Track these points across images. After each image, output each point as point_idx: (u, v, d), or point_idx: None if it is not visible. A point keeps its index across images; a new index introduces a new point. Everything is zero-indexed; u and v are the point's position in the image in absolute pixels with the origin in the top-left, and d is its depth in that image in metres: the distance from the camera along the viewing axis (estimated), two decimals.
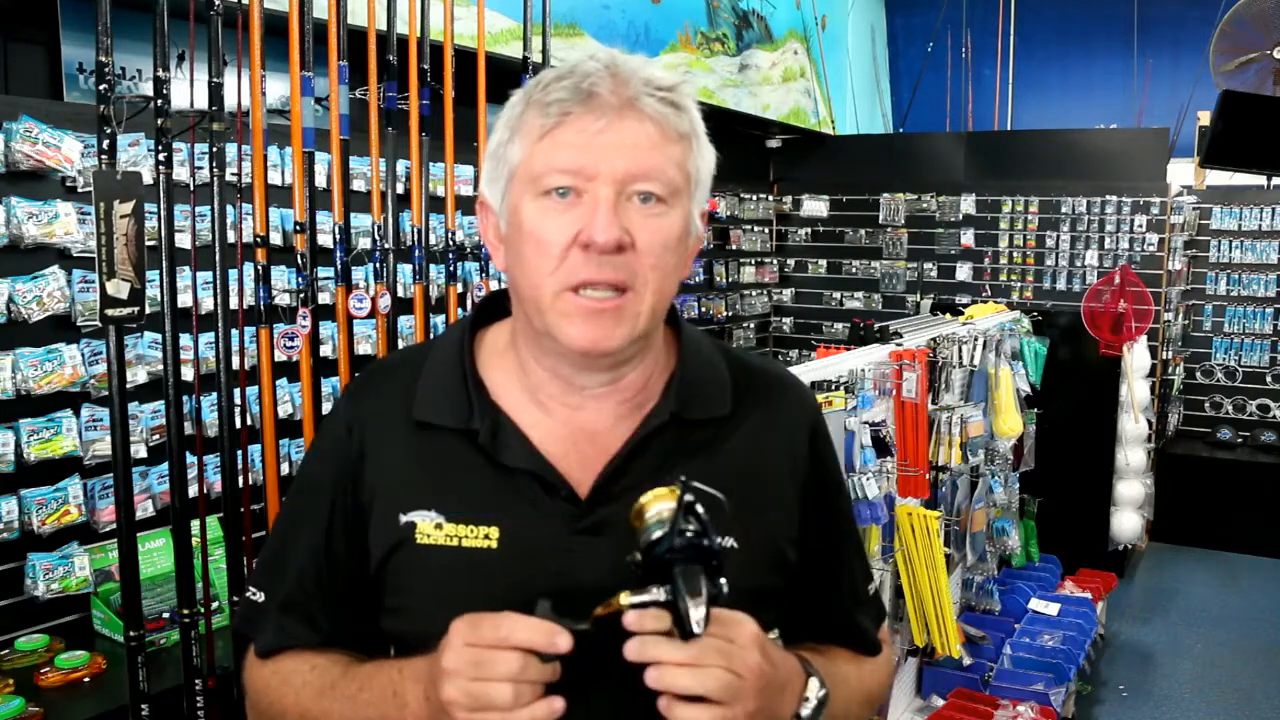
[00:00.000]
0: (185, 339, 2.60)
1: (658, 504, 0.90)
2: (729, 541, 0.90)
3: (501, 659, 0.85)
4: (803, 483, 1.10)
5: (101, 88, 1.99)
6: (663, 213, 0.96)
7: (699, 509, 0.88)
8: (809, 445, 1.12)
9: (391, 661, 1.00)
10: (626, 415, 1.04)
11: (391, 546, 1.03)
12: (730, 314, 6.54)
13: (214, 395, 2.35)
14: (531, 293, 0.97)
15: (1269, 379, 6.66)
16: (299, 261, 2.43)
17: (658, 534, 0.88)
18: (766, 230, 7.02)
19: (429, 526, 1.01)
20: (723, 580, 0.87)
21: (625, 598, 0.88)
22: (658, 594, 0.87)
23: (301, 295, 2.43)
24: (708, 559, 0.87)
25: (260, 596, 1.10)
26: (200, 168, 2.53)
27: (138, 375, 2.67)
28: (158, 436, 2.72)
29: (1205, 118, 5.58)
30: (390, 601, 1.05)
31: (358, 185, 3.12)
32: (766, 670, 0.90)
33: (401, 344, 3.07)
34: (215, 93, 2.24)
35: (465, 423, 1.02)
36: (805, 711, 0.97)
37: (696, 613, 0.84)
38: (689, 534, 0.87)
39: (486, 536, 1.00)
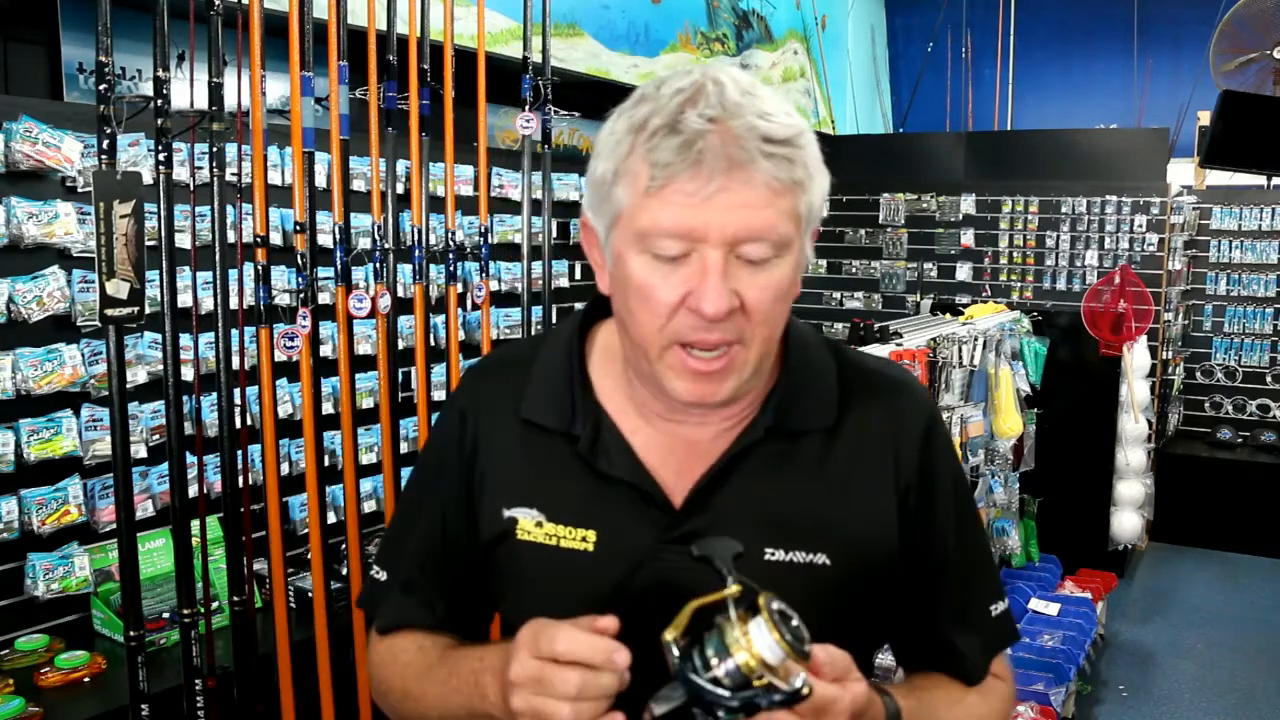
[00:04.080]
0: (185, 339, 2.60)
1: (759, 628, 0.81)
2: (800, 680, 0.82)
3: (560, 677, 0.85)
4: (903, 492, 1.06)
5: (101, 88, 1.99)
6: (773, 266, 0.94)
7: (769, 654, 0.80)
8: (916, 452, 1.07)
9: (474, 650, 1.02)
10: (730, 429, 1.04)
11: (495, 538, 1.07)
12: None
13: (214, 395, 2.35)
14: (641, 343, 0.97)
15: (1269, 379, 6.66)
16: (299, 261, 2.43)
17: (705, 641, 0.82)
18: None
19: (530, 524, 1.04)
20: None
21: (671, 632, 0.85)
22: (670, 659, 0.83)
23: (301, 295, 2.43)
24: (702, 702, 0.82)
25: (383, 575, 1.14)
26: (200, 168, 2.53)
27: (138, 375, 2.67)
28: (158, 436, 2.72)
29: (1205, 118, 5.59)
30: (496, 588, 1.10)
31: (358, 185, 3.12)
32: None
33: (401, 344, 3.07)
34: (215, 93, 2.24)
35: (568, 427, 1.05)
36: None
37: (654, 704, 0.83)
38: (706, 669, 0.81)
39: (584, 539, 1.02)
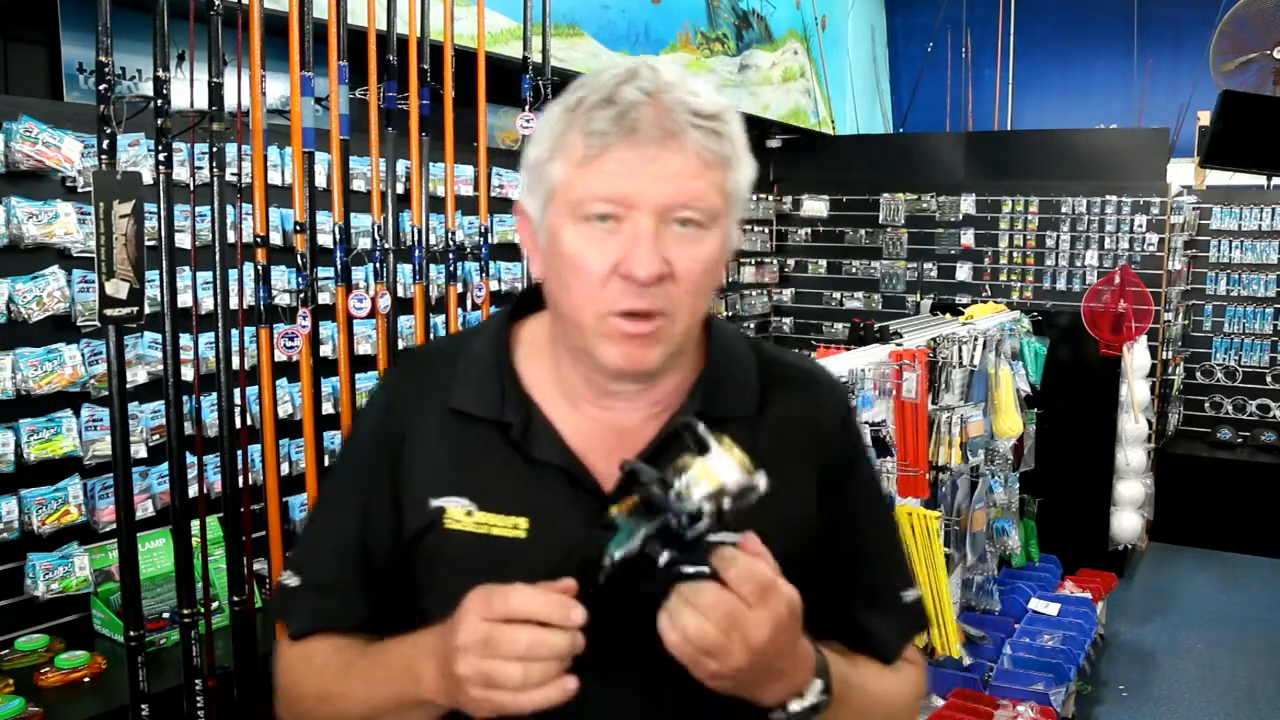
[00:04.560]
0: (185, 339, 2.60)
1: (713, 456, 0.89)
2: (762, 482, 0.90)
3: (509, 636, 0.86)
4: (824, 474, 1.10)
5: (101, 88, 1.99)
6: (702, 237, 0.97)
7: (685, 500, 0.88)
8: (836, 436, 1.12)
9: (405, 637, 1.00)
10: (657, 415, 1.06)
11: (421, 530, 1.05)
12: (730, 314, 6.54)
13: (214, 395, 2.35)
14: (572, 315, 0.99)
15: (1269, 379, 6.66)
16: (299, 261, 2.43)
17: (667, 476, 0.88)
18: (766, 230, 7.02)
19: (459, 513, 1.04)
20: (665, 555, 0.88)
21: (615, 509, 0.89)
22: (618, 520, 0.89)
23: (301, 295, 2.43)
24: (670, 531, 0.88)
25: (294, 580, 1.12)
26: (200, 168, 2.53)
27: (138, 375, 2.67)
28: (158, 436, 2.72)
29: (1205, 118, 5.59)
30: (421, 581, 1.08)
31: (358, 185, 3.12)
32: (768, 652, 0.90)
33: (402, 344, 3.07)
34: (215, 93, 2.24)
35: (498, 414, 1.05)
36: (793, 707, 0.96)
37: (612, 550, 0.87)
38: (670, 494, 0.87)
39: (515, 526, 1.02)
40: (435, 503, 1.04)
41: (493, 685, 0.86)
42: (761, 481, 0.89)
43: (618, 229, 0.95)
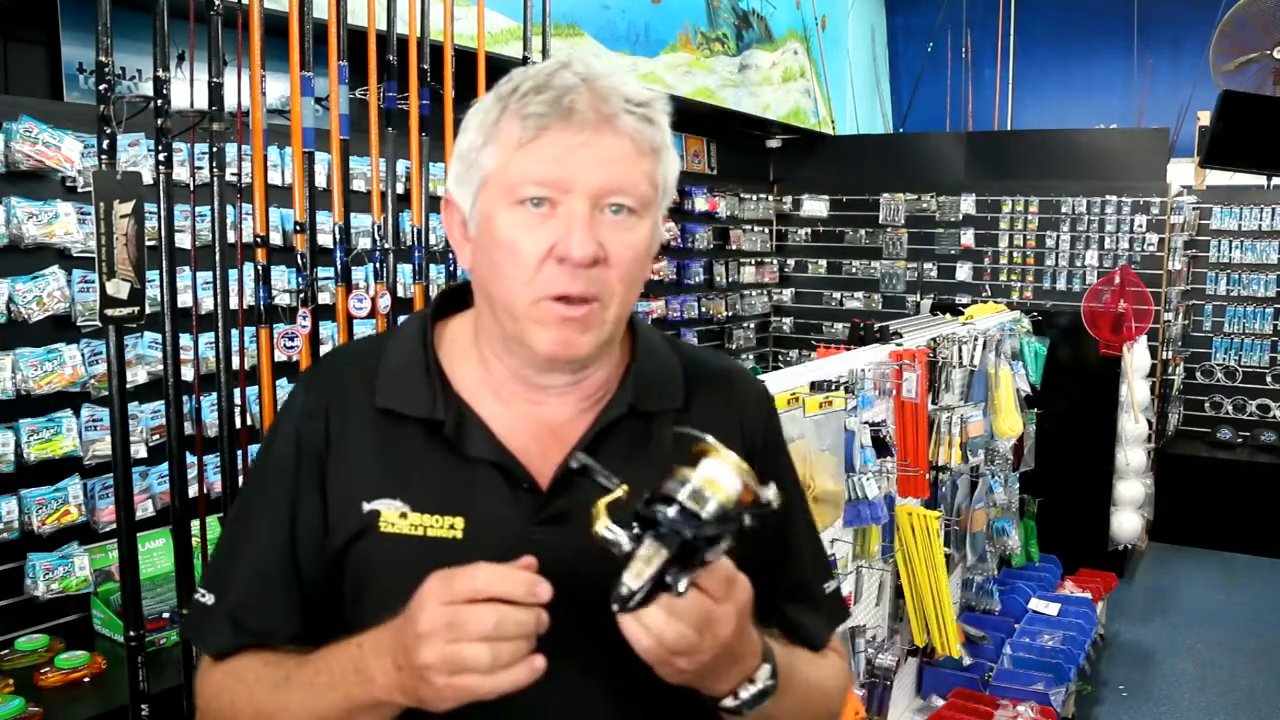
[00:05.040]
0: (185, 339, 2.60)
1: (711, 464, 0.86)
2: (771, 493, 0.87)
3: (476, 615, 0.84)
4: (752, 463, 1.09)
5: (101, 88, 1.99)
6: (634, 225, 0.99)
7: (712, 497, 0.85)
8: (761, 427, 1.14)
9: (348, 640, 0.96)
10: (588, 410, 1.07)
11: (353, 535, 1.03)
12: (730, 314, 6.54)
13: (214, 395, 2.35)
14: (506, 299, 0.99)
15: (1269, 379, 6.66)
16: (299, 261, 2.43)
17: (673, 491, 0.85)
18: (766, 230, 7.02)
19: (394, 515, 1.02)
20: (684, 581, 0.84)
21: (602, 523, 0.86)
22: (623, 540, 0.85)
23: (301, 295, 2.43)
24: (688, 551, 0.84)
25: (210, 599, 1.07)
26: (200, 168, 2.53)
27: (138, 375, 2.67)
28: (158, 436, 2.72)
29: (1205, 118, 5.59)
30: (349, 590, 1.05)
31: (358, 185, 3.12)
32: (731, 643, 0.90)
33: None
34: (215, 93, 2.24)
35: (429, 412, 1.04)
36: (744, 694, 0.96)
37: (631, 583, 0.84)
38: (686, 512, 0.84)
39: (452, 527, 1.01)
40: (369, 506, 1.02)
41: (461, 669, 0.84)
42: (773, 495, 0.87)
43: (551, 213, 0.96)
